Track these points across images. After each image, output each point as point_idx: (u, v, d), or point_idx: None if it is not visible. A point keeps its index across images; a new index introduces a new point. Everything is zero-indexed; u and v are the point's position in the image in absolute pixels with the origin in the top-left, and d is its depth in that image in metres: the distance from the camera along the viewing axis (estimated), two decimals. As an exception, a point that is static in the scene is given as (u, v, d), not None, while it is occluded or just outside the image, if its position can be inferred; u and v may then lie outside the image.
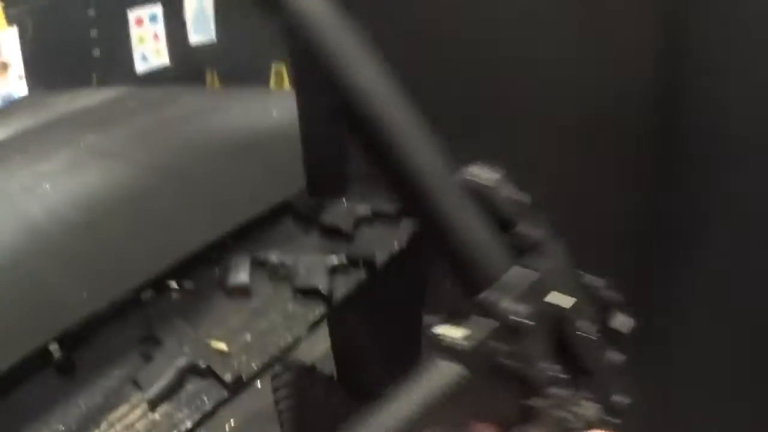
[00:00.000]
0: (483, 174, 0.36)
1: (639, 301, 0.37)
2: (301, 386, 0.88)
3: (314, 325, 0.52)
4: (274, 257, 0.56)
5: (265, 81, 3.72)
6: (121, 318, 0.54)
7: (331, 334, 0.82)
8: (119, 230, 0.60)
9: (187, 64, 3.60)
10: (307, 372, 0.87)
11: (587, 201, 0.56)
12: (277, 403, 0.89)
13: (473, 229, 0.35)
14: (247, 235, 0.61)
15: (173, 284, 0.54)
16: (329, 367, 1.09)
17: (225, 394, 0.46)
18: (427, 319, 0.39)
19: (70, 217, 0.59)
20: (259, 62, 3.66)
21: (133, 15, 3.08)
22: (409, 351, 0.66)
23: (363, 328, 0.77)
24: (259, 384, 0.62)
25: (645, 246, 0.58)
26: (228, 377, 0.46)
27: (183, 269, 0.56)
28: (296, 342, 0.50)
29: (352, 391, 0.86)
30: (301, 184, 0.64)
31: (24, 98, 3.05)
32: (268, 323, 0.53)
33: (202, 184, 0.66)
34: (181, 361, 0.47)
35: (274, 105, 0.82)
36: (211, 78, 4.09)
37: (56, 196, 0.61)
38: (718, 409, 0.58)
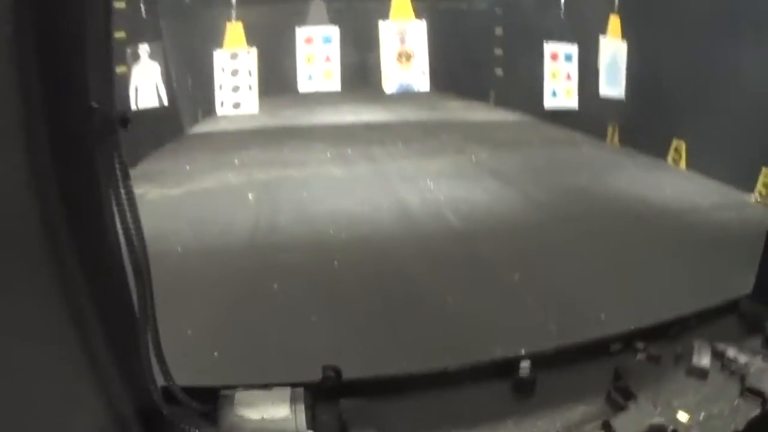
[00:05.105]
0: None
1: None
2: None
3: (752, 424, 0.56)
4: (731, 352, 0.62)
5: (662, 152, 3.60)
6: (588, 359, 0.65)
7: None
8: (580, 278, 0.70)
9: (592, 114, 3.63)
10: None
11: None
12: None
13: None
14: (703, 322, 0.68)
15: (640, 345, 0.64)
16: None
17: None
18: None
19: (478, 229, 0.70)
20: (661, 130, 3.55)
21: (548, 48, 3.19)
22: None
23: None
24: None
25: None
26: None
27: (649, 335, 0.65)
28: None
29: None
30: (748, 287, 0.68)
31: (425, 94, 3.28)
32: (717, 409, 0.59)
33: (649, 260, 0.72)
34: (655, 418, 0.56)
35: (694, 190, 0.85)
36: (612, 134, 4.09)
37: (440, 196, 0.74)
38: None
